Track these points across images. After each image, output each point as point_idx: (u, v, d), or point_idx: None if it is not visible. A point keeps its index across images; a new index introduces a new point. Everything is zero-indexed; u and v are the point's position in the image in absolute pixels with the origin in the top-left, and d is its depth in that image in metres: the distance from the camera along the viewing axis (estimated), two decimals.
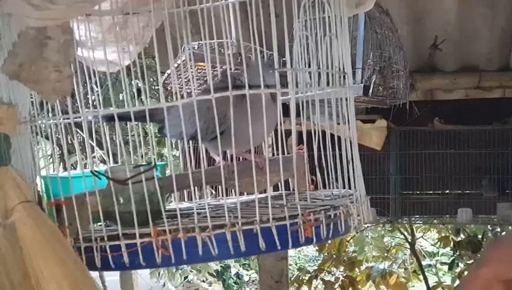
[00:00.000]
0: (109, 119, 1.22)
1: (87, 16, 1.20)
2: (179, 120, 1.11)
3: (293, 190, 1.30)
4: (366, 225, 5.23)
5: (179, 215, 1.10)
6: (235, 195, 1.24)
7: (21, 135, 1.18)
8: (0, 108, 1.05)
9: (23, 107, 1.17)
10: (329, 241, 5.59)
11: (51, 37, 1.05)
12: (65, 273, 1.05)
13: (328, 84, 1.25)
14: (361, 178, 1.30)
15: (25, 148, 1.20)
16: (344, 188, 1.27)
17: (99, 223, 1.20)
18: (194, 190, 1.25)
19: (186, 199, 1.45)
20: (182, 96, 1.10)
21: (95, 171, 1.12)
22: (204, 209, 1.13)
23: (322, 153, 1.25)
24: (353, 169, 1.26)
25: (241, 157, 1.36)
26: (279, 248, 1.11)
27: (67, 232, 1.12)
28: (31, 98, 1.18)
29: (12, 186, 1.06)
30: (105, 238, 1.11)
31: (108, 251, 1.10)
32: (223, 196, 1.20)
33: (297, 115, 1.21)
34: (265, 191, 1.33)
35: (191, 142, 1.44)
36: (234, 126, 1.11)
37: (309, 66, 1.30)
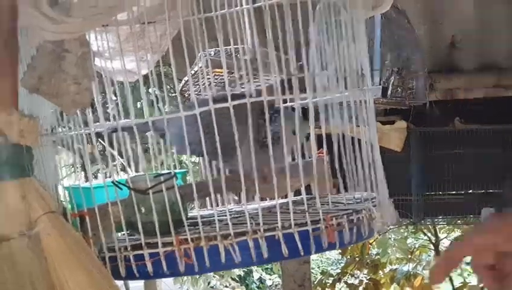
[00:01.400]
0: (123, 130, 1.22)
1: (105, 27, 1.21)
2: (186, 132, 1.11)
3: (314, 194, 1.29)
4: (388, 227, 5.20)
5: (200, 224, 1.10)
6: (256, 201, 1.24)
7: (43, 147, 1.19)
8: (21, 120, 1.06)
9: (44, 119, 1.18)
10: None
11: (68, 50, 1.06)
12: (91, 282, 1.05)
13: (346, 87, 1.25)
14: (383, 181, 1.30)
15: (47, 159, 1.21)
16: (366, 191, 1.26)
17: (122, 233, 1.20)
18: (216, 197, 1.25)
19: (208, 206, 1.45)
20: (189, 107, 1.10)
21: (116, 181, 1.13)
22: (225, 216, 1.14)
23: (343, 156, 1.25)
24: (375, 172, 1.26)
25: None
26: (302, 253, 1.11)
27: (91, 242, 1.13)
28: (51, 109, 1.19)
29: (35, 197, 1.07)
30: (129, 248, 1.11)
31: (132, 261, 1.11)
32: (243, 202, 1.20)
33: (316, 119, 1.20)
34: (286, 197, 1.33)
35: None
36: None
37: (326, 70, 1.29)
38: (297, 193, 1.32)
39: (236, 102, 1.10)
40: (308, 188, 1.26)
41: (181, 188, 1.16)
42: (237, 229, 1.10)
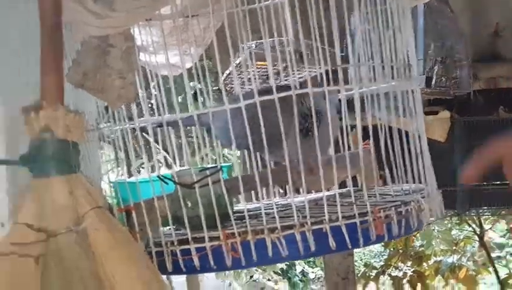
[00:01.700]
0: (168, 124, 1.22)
1: (148, 21, 1.20)
2: (232, 125, 1.11)
3: (361, 186, 1.27)
4: (432, 219, 5.14)
5: (247, 217, 1.10)
6: (303, 193, 1.22)
7: (89, 142, 1.19)
8: (67, 116, 1.06)
9: (90, 114, 1.18)
10: None
11: (113, 44, 1.05)
12: (138, 277, 1.05)
13: (392, 77, 1.23)
14: (431, 172, 1.27)
15: (93, 154, 1.22)
16: (414, 182, 1.24)
17: (167, 227, 1.20)
18: (262, 190, 1.24)
19: (254, 199, 1.44)
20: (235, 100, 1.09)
21: (162, 176, 1.12)
22: (272, 209, 1.13)
23: (390, 147, 1.23)
24: (423, 163, 1.23)
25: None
26: (349, 246, 1.10)
27: (137, 237, 1.13)
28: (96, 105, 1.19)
29: (83, 193, 1.07)
30: (175, 243, 1.11)
31: (179, 255, 1.10)
32: (290, 195, 1.19)
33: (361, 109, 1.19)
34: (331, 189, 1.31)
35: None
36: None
37: (372, 60, 1.27)
38: (342, 185, 1.31)
39: (282, 94, 1.09)
40: (353, 180, 1.25)
41: (227, 182, 1.15)
42: (284, 223, 1.09)
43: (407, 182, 1.25)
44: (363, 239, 1.10)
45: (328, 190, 1.24)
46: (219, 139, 1.30)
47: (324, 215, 1.09)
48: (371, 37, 1.25)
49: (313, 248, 1.08)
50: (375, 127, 1.20)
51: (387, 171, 1.25)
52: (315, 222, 1.09)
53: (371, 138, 1.18)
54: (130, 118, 1.16)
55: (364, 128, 1.17)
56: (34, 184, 1.08)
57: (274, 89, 1.08)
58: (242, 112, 1.09)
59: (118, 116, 1.16)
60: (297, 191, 1.33)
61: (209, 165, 1.14)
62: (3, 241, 1.06)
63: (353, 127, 1.20)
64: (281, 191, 1.45)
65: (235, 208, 1.22)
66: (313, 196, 1.33)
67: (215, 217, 1.10)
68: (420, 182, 1.25)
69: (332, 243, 1.09)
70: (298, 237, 1.08)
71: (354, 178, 1.27)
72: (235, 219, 1.11)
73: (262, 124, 1.08)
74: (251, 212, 1.18)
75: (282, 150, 1.11)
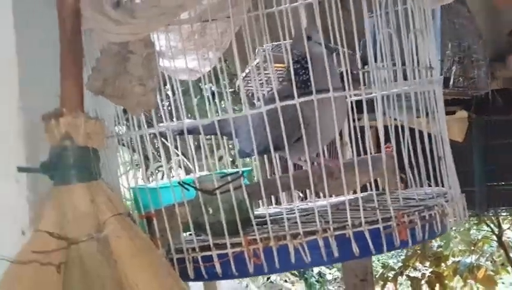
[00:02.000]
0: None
1: (166, 26, 1.20)
2: (249, 131, 1.10)
3: (383, 190, 1.26)
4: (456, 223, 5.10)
5: (269, 223, 1.09)
6: (324, 198, 1.21)
7: (108, 149, 1.18)
8: (88, 122, 1.05)
9: (109, 121, 1.17)
10: None
11: (133, 51, 1.05)
12: (160, 284, 1.05)
13: (414, 78, 1.21)
14: (455, 175, 1.26)
15: (113, 161, 1.21)
16: (437, 186, 1.23)
17: (188, 233, 1.20)
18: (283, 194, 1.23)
19: (273, 204, 1.43)
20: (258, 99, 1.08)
21: (183, 182, 1.12)
22: (293, 214, 1.12)
23: (411, 150, 1.22)
24: (445, 166, 1.22)
25: (315, 162, 1.33)
26: (373, 252, 1.09)
27: (159, 243, 1.12)
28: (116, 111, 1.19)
29: (104, 199, 1.07)
30: (197, 249, 1.10)
31: (201, 262, 1.10)
32: (312, 199, 1.18)
33: (373, 110, 1.18)
34: (355, 192, 1.30)
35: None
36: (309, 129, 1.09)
37: (392, 62, 1.26)
38: (362, 188, 1.29)
39: (302, 99, 1.08)
40: (377, 184, 1.24)
41: (248, 187, 1.14)
42: (306, 228, 1.08)
43: (429, 186, 1.24)
44: (387, 244, 1.09)
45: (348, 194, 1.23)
46: (241, 144, 1.29)
47: (347, 221, 1.08)
48: (393, 38, 1.23)
49: (336, 254, 1.07)
50: (394, 129, 1.19)
51: (409, 174, 1.23)
52: (338, 227, 1.08)
53: (394, 141, 1.17)
54: (149, 124, 1.15)
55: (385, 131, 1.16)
56: (54, 191, 1.08)
57: (314, 92, 1.07)
58: (260, 116, 1.09)
59: (136, 121, 1.16)
60: (316, 195, 1.32)
61: (230, 171, 1.12)
62: (24, 249, 1.05)
63: (370, 127, 1.19)
64: (301, 195, 1.43)
65: (256, 213, 1.21)
66: (334, 200, 1.32)
67: (237, 223, 1.09)
68: (443, 185, 1.23)
69: (355, 248, 1.07)
70: (321, 243, 1.07)
71: (375, 181, 1.26)
72: (256, 225, 1.10)
73: (302, 126, 1.08)
74: (271, 217, 1.17)
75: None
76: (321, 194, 1.34)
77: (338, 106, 1.14)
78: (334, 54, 1.20)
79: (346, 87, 1.11)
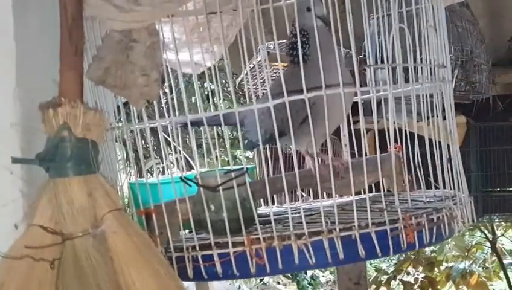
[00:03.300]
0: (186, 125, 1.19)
1: (170, 17, 1.16)
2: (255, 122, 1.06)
3: (388, 190, 1.23)
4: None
5: (273, 222, 1.05)
6: (328, 197, 1.18)
7: (106, 142, 1.15)
8: (87, 113, 1.01)
9: (109, 113, 1.13)
10: None
11: (136, 40, 1.01)
12: (158, 283, 1.01)
13: (417, 79, 1.18)
14: (463, 178, 1.22)
15: (111, 155, 1.17)
16: (444, 188, 1.19)
17: (188, 231, 1.16)
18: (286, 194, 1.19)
19: (275, 203, 1.40)
20: (258, 97, 1.05)
21: (185, 177, 1.08)
22: (297, 213, 1.08)
23: (416, 152, 1.19)
24: (455, 168, 1.19)
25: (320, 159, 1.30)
26: (379, 254, 1.05)
27: (157, 241, 1.08)
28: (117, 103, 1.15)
29: (101, 194, 1.03)
30: (197, 248, 1.06)
31: (201, 261, 1.06)
32: (317, 199, 1.14)
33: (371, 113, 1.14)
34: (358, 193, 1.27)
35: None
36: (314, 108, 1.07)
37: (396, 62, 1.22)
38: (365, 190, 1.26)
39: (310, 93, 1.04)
40: (378, 185, 1.20)
41: (251, 185, 1.10)
42: (311, 229, 1.04)
43: (437, 188, 1.21)
44: (394, 247, 1.06)
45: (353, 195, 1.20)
46: (248, 134, 1.25)
47: (353, 222, 1.04)
48: (406, 37, 1.20)
49: (341, 256, 1.03)
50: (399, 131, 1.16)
51: (419, 175, 1.20)
52: (344, 228, 1.04)
53: (403, 142, 1.14)
54: (150, 117, 1.11)
55: (380, 132, 1.12)
56: (50, 184, 1.03)
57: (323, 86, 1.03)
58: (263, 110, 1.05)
59: (137, 114, 1.12)
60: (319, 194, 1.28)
61: (234, 167, 1.09)
62: (17, 244, 1.01)
63: (368, 130, 1.15)
64: (304, 194, 1.40)
65: (258, 212, 1.17)
66: (340, 200, 1.29)
67: (239, 222, 1.05)
68: (451, 188, 1.20)
69: (361, 250, 1.04)
70: (326, 244, 1.03)
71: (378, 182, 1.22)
72: (259, 224, 1.06)
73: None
74: (275, 217, 1.13)
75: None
76: (324, 194, 1.31)
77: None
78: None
79: (357, 82, 1.07)
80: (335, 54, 1.10)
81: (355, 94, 1.24)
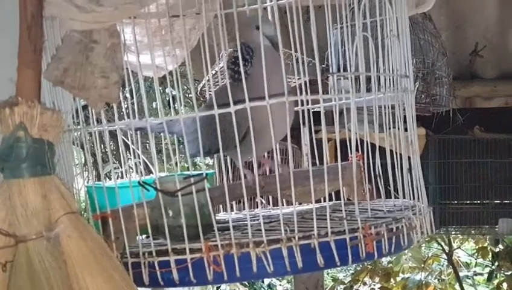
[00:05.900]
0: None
1: (132, 19, 1.14)
2: (195, 134, 1.05)
3: (348, 199, 1.22)
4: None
5: (231, 229, 1.04)
6: (288, 205, 1.17)
7: (63, 144, 1.12)
8: (44, 114, 0.99)
9: (67, 115, 1.11)
10: None
11: (97, 41, 0.99)
12: (112, 289, 0.99)
13: (379, 89, 1.18)
14: (423, 188, 1.23)
15: (68, 157, 1.15)
16: (404, 198, 1.19)
17: (145, 236, 1.14)
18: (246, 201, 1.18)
19: (234, 210, 1.38)
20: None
21: (143, 182, 1.06)
22: (256, 221, 1.07)
23: (377, 162, 1.19)
24: (415, 178, 1.19)
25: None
26: (338, 263, 1.04)
27: (113, 246, 1.06)
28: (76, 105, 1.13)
29: (57, 196, 1.00)
30: (154, 254, 1.04)
31: (157, 267, 1.04)
32: (277, 206, 1.13)
33: (333, 123, 1.14)
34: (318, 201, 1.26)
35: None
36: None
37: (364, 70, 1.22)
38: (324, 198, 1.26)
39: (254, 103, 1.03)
40: (337, 194, 1.20)
41: (210, 191, 1.09)
42: (270, 236, 1.03)
43: (396, 198, 1.21)
44: (353, 256, 1.05)
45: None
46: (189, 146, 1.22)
47: (312, 230, 1.04)
48: (369, 46, 1.20)
49: (300, 264, 1.02)
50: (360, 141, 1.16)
51: (380, 185, 1.20)
52: (303, 236, 1.03)
53: (365, 152, 1.14)
54: (109, 121, 1.09)
55: (341, 142, 1.12)
56: (4, 185, 1.01)
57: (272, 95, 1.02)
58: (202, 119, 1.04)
59: (96, 117, 1.10)
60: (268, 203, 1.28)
61: (194, 172, 1.07)
62: None
63: (329, 140, 1.15)
64: (264, 201, 1.39)
65: (217, 218, 1.16)
66: (300, 208, 1.28)
67: (197, 228, 1.04)
68: (411, 198, 1.20)
69: (320, 259, 1.03)
70: (285, 252, 1.02)
71: (337, 192, 1.22)
72: (217, 230, 1.05)
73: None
74: (234, 223, 1.12)
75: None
76: (284, 202, 1.30)
77: (278, 107, 1.08)
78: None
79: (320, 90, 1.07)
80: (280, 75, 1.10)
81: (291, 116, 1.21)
